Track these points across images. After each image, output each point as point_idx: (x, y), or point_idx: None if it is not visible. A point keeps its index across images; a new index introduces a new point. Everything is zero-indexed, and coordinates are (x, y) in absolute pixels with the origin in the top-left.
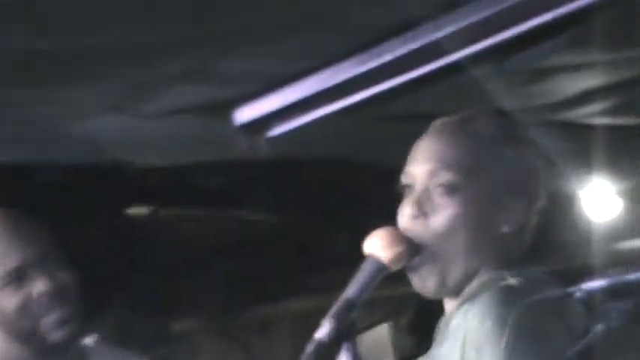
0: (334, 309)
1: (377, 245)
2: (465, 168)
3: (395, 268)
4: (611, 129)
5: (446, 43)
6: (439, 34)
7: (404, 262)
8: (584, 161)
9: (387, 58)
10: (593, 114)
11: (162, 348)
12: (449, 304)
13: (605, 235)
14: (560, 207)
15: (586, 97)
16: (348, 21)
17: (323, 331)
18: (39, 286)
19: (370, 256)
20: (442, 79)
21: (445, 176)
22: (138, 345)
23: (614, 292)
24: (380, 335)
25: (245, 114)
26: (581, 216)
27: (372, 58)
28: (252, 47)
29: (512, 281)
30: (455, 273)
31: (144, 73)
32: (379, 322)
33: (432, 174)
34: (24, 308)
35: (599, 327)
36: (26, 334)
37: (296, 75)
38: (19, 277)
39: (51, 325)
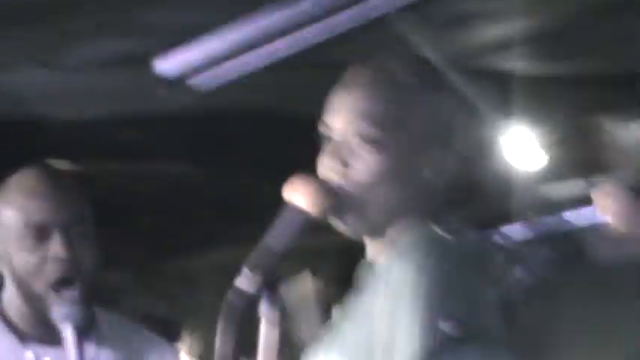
0: (256, 258)
1: (297, 193)
2: (383, 117)
3: (316, 216)
4: (531, 76)
5: None
6: None
7: (325, 211)
8: (504, 108)
9: (307, 6)
10: (514, 61)
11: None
12: (371, 248)
13: (526, 182)
14: (482, 154)
15: (506, 43)
16: None
17: (245, 280)
18: (56, 249)
19: (291, 205)
20: (363, 27)
21: (363, 127)
22: None
23: (536, 239)
24: (302, 285)
25: (166, 65)
26: (502, 163)
27: (291, 7)
28: None
29: (434, 231)
30: (377, 221)
31: (64, 25)
32: (301, 271)
33: (350, 125)
34: (38, 268)
35: (519, 273)
36: (38, 295)
37: (216, 25)
38: (40, 234)
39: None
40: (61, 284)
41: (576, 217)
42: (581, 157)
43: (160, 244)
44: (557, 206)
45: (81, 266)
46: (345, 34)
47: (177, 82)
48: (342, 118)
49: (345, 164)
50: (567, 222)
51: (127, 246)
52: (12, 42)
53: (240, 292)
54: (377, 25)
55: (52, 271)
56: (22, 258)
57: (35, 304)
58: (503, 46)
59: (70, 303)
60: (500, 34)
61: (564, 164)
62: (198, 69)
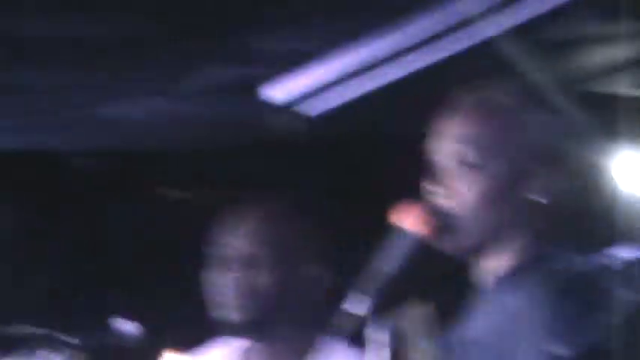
0: (367, 282)
1: (405, 216)
2: (486, 143)
3: (424, 237)
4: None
5: (478, 18)
6: (470, 9)
7: (432, 232)
8: (614, 132)
9: (413, 30)
10: (623, 84)
11: None
12: (479, 271)
13: (634, 205)
14: (592, 178)
15: (616, 68)
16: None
17: (356, 305)
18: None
19: (401, 230)
20: (475, 54)
21: (463, 151)
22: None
23: None
24: (414, 311)
25: (275, 92)
26: (612, 187)
27: (398, 32)
28: (284, 26)
29: (544, 256)
30: (483, 241)
31: (178, 54)
32: (415, 299)
33: (452, 149)
34: (213, 285)
35: (629, 294)
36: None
37: (324, 52)
38: (225, 258)
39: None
40: None
41: None
42: None
43: None
44: None
45: None
46: (453, 58)
47: (286, 109)
48: (444, 142)
49: (448, 188)
50: None
51: None
52: (128, 73)
53: (349, 315)
54: (484, 49)
55: None
56: None
57: None
58: (612, 69)
59: None
60: (610, 57)
61: None
62: (308, 96)
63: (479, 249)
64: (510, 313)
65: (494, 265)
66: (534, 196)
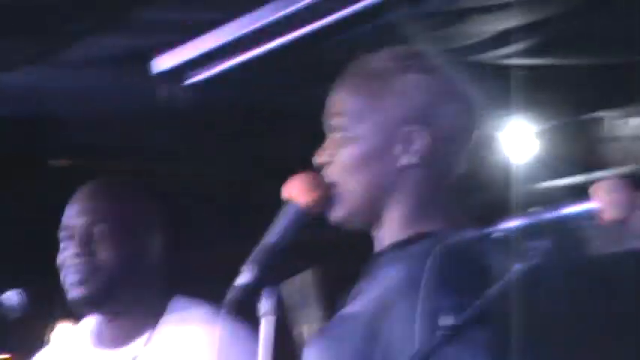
0: (255, 255)
1: (295, 190)
2: (352, 108)
3: (314, 211)
4: (528, 69)
5: None
6: None
7: (322, 206)
8: (502, 102)
9: (302, 3)
10: (511, 55)
11: None
12: (375, 241)
13: (524, 175)
14: (479, 147)
15: (503, 37)
16: None
17: (244, 277)
18: (69, 251)
19: (289, 201)
20: (359, 23)
21: (337, 119)
22: None
23: (533, 232)
24: (303, 281)
25: (163, 63)
26: (500, 157)
27: (286, 5)
28: None
29: (430, 227)
30: (360, 210)
31: (60, 23)
32: (302, 268)
33: (329, 119)
34: (60, 265)
35: (518, 267)
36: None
37: (211, 23)
38: (66, 236)
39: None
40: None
41: (574, 209)
42: (581, 151)
43: None
44: (556, 200)
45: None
46: (344, 31)
47: (174, 79)
48: (328, 113)
49: (329, 157)
50: (565, 214)
51: None
52: (12, 42)
53: (240, 288)
54: (375, 23)
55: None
56: None
57: None
58: (502, 39)
59: None
60: (499, 27)
61: (563, 158)
62: (195, 66)
63: (357, 219)
64: (388, 286)
65: (382, 236)
66: (407, 158)
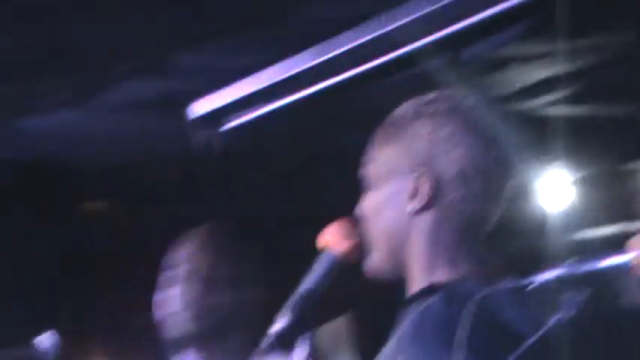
0: (290, 302)
1: (331, 238)
2: (373, 156)
3: (349, 260)
4: (567, 118)
5: (399, 34)
6: (392, 26)
7: (357, 256)
8: (540, 151)
9: (340, 51)
10: (550, 104)
11: None
12: (407, 290)
13: (561, 225)
14: (517, 197)
15: (542, 86)
16: (300, 15)
17: (279, 324)
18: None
19: (325, 249)
20: (396, 71)
21: (367, 172)
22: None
23: (569, 283)
24: (337, 328)
25: (199, 108)
26: (537, 206)
27: (324, 52)
28: (204, 42)
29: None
30: (386, 257)
31: (97, 68)
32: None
33: (364, 171)
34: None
35: (556, 318)
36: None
37: (248, 69)
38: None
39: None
40: None
41: (610, 261)
42: (617, 203)
43: None
44: (592, 251)
45: None
46: (381, 79)
47: (211, 125)
48: (361, 163)
49: (362, 208)
50: (601, 266)
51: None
52: (46, 85)
53: (274, 335)
54: (413, 71)
55: None
56: None
57: None
58: (541, 88)
59: None
60: (539, 76)
61: (599, 209)
62: (227, 111)
63: (384, 267)
64: (398, 339)
65: (409, 284)
66: (412, 205)
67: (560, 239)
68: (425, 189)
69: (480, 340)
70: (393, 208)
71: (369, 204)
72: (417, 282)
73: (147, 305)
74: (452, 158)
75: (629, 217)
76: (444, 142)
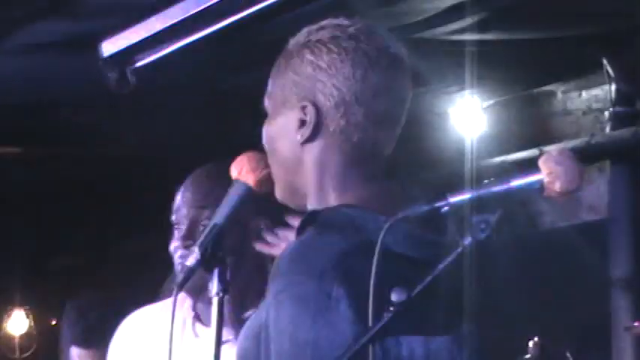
0: (202, 235)
1: (242, 169)
2: (269, 88)
3: (260, 190)
4: (479, 44)
5: None
6: None
7: (268, 185)
8: (451, 79)
9: None
10: (458, 31)
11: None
12: None
13: (475, 151)
14: (431, 124)
15: (452, 13)
16: None
17: (192, 257)
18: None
19: (236, 180)
20: (306, 2)
21: (265, 100)
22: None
23: (480, 205)
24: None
25: (109, 47)
26: (452, 134)
27: None
28: None
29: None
30: (282, 190)
31: (6, 8)
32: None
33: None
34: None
35: (468, 239)
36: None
37: (158, 5)
38: (175, 224)
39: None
40: None
41: (522, 181)
42: (532, 126)
43: (110, 226)
44: (506, 174)
45: None
46: (290, 8)
47: (123, 63)
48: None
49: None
50: (513, 186)
51: (79, 230)
52: None
53: (188, 268)
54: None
55: None
56: None
57: None
58: (450, 15)
59: None
60: (448, 3)
61: (514, 133)
62: (136, 48)
63: (288, 197)
64: (275, 267)
65: (299, 203)
66: (300, 133)
67: (476, 165)
68: (309, 119)
69: (363, 268)
70: (285, 139)
71: (267, 135)
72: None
73: (63, 246)
74: (331, 87)
75: (543, 141)
76: (324, 70)
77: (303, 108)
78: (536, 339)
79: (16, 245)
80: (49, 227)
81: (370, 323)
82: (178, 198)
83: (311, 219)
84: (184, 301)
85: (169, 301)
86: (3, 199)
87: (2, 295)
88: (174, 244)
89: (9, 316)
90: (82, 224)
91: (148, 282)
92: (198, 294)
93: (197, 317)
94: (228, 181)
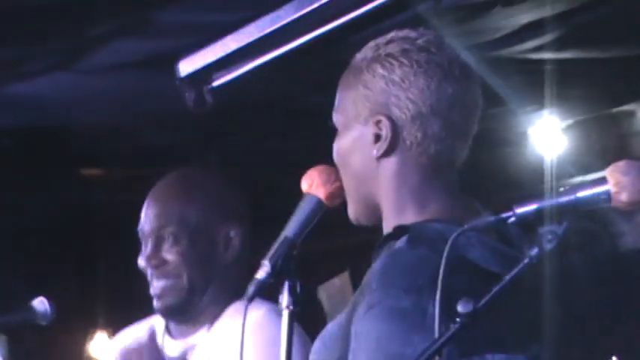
0: (273, 248)
1: (313, 183)
2: (338, 103)
3: (331, 204)
4: (557, 63)
5: None
6: None
7: (339, 199)
8: (529, 98)
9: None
10: (536, 49)
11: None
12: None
13: (554, 171)
14: (509, 144)
15: (527, 31)
16: None
17: (263, 270)
18: (143, 254)
19: (307, 194)
20: (381, 19)
21: (335, 117)
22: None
23: (548, 216)
24: (340, 284)
25: (186, 66)
26: (530, 152)
27: (308, 3)
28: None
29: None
30: (355, 205)
31: (83, 29)
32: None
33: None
34: (143, 270)
35: (535, 250)
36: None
37: (234, 24)
38: (142, 240)
39: (153, 294)
40: None
41: (589, 192)
42: (612, 146)
43: None
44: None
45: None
46: (367, 27)
47: (201, 82)
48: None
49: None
50: (580, 197)
51: None
52: (32, 50)
53: (258, 282)
54: (398, 18)
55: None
56: None
57: None
58: (527, 33)
59: None
60: (523, 21)
61: (594, 153)
62: (214, 67)
63: (361, 214)
64: (365, 282)
65: (384, 230)
66: (377, 148)
67: (555, 185)
68: (385, 133)
69: (453, 282)
70: (359, 153)
71: (338, 151)
72: (389, 225)
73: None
74: (406, 100)
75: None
76: (398, 84)
77: (378, 122)
78: (614, 358)
79: (99, 268)
80: (131, 250)
81: (436, 335)
82: (142, 214)
83: (399, 233)
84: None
85: (150, 320)
86: (87, 221)
87: (86, 318)
88: (141, 262)
89: (92, 338)
90: None
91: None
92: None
93: (167, 330)
94: (189, 194)
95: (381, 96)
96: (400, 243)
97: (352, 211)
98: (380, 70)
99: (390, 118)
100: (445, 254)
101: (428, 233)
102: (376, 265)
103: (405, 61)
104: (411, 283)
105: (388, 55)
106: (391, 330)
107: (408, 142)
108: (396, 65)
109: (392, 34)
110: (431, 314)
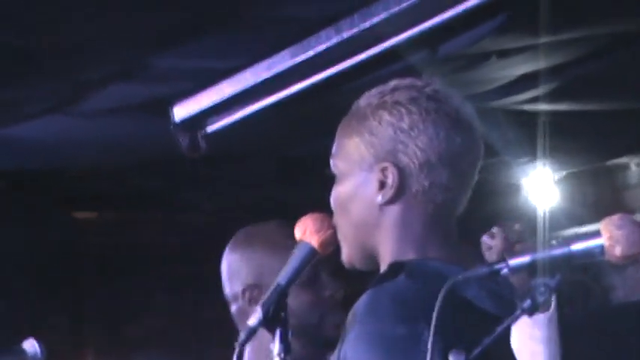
0: (265, 296)
1: (306, 230)
2: (337, 150)
3: (324, 252)
4: (551, 115)
5: (378, 31)
6: (370, 23)
7: (333, 246)
8: (523, 149)
9: (319, 48)
10: (530, 100)
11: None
12: None
13: (547, 223)
14: (502, 195)
15: (522, 82)
16: (278, 15)
17: (254, 317)
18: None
19: (300, 241)
20: (376, 68)
21: (332, 164)
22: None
23: (540, 268)
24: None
25: (181, 111)
26: (523, 204)
27: (304, 50)
28: (185, 45)
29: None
30: (352, 251)
31: (79, 73)
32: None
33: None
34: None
35: (528, 302)
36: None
37: (229, 70)
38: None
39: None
40: None
41: (583, 245)
42: (605, 198)
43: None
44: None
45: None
46: (362, 76)
47: (195, 127)
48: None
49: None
50: (574, 250)
51: (157, 296)
52: (29, 91)
53: (249, 329)
54: (392, 67)
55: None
56: None
57: None
58: (522, 84)
59: None
60: (519, 72)
61: (587, 205)
62: (208, 113)
63: (357, 259)
64: (353, 313)
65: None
66: (381, 196)
67: (548, 237)
68: (391, 180)
69: (451, 321)
70: (361, 201)
71: (337, 197)
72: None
73: (140, 311)
74: (415, 148)
75: (617, 213)
76: (406, 132)
77: (384, 169)
78: None
79: (90, 309)
80: (125, 291)
81: None
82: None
83: (396, 269)
84: None
85: None
86: (80, 262)
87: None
88: None
89: None
90: (156, 289)
91: (222, 347)
92: None
93: None
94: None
95: (388, 143)
96: (397, 277)
97: (347, 256)
98: (387, 117)
99: (396, 166)
100: (443, 292)
101: (424, 269)
102: (366, 295)
103: (413, 109)
104: (405, 313)
105: (396, 102)
106: (385, 357)
107: (414, 190)
108: (404, 113)
109: (395, 82)
110: (424, 341)
